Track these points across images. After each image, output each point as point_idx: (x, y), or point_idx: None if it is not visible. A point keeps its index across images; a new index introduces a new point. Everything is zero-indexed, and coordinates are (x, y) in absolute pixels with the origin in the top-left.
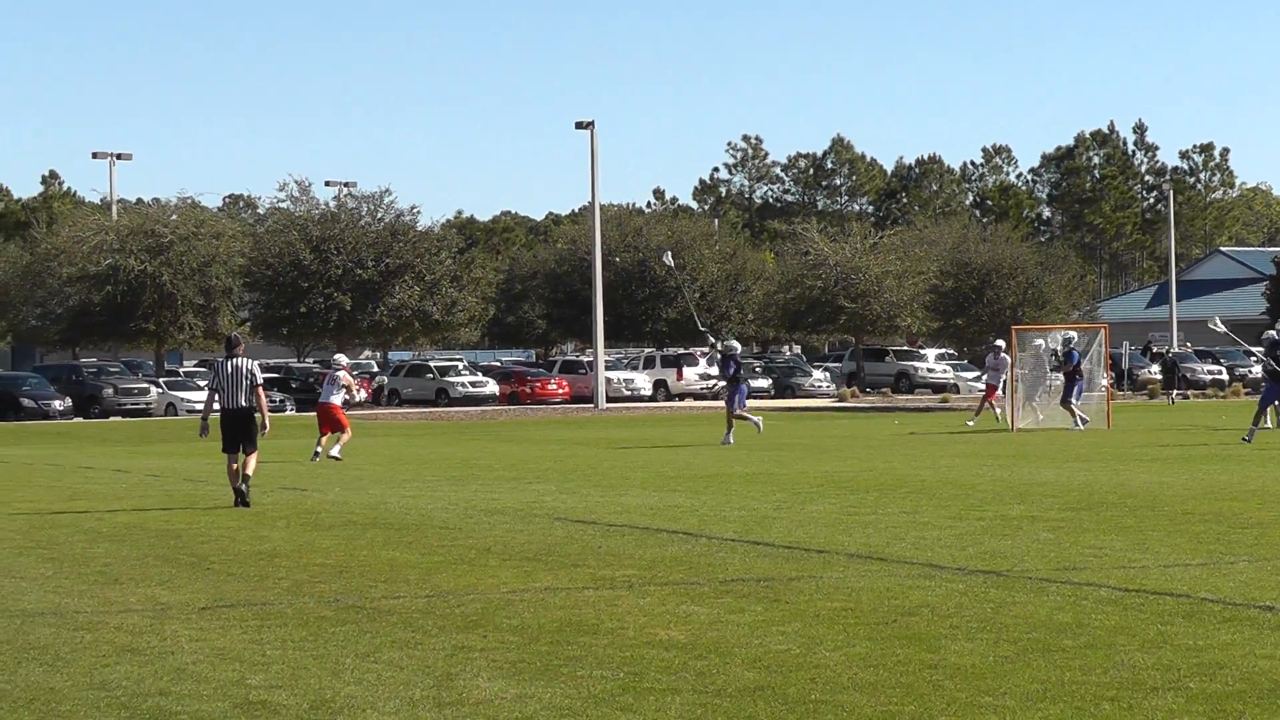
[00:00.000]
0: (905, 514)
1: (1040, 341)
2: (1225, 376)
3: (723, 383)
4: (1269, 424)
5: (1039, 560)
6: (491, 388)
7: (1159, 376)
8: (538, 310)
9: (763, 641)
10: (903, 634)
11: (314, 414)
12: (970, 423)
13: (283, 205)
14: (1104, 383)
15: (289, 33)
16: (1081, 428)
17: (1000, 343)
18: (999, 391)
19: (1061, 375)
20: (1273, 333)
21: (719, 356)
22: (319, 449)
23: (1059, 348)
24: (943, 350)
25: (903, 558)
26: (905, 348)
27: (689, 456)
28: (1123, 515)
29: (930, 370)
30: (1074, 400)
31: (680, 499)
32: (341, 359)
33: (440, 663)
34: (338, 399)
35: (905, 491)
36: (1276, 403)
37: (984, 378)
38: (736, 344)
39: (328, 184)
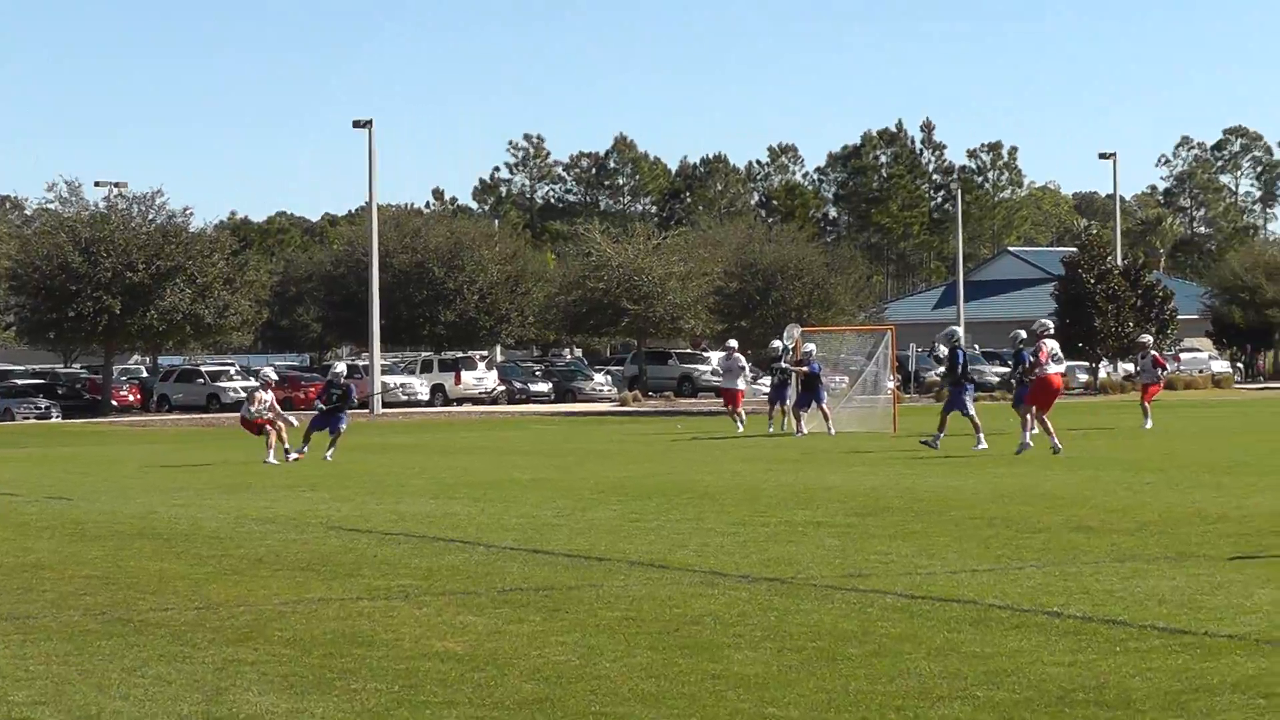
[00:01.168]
0: (688, 520)
1: (778, 343)
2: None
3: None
4: (1029, 440)
5: (824, 567)
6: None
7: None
8: (313, 313)
9: (542, 652)
10: (685, 643)
11: (83, 421)
12: (770, 429)
13: (51, 206)
14: (890, 385)
15: (58, 26)
16: (804, 433)
17: (733, 342)
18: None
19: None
20: (1021, 332)
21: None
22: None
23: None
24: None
25: (686, 565)
26: (689, 350)
27: (467, 462)
28: (909, 520)
29: (714, 373)
30: (823, 404)
31: (458, 506)
32: (270, 373)
33: (210, 676)
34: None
35: (689, 497)
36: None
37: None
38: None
39: (97, 184)
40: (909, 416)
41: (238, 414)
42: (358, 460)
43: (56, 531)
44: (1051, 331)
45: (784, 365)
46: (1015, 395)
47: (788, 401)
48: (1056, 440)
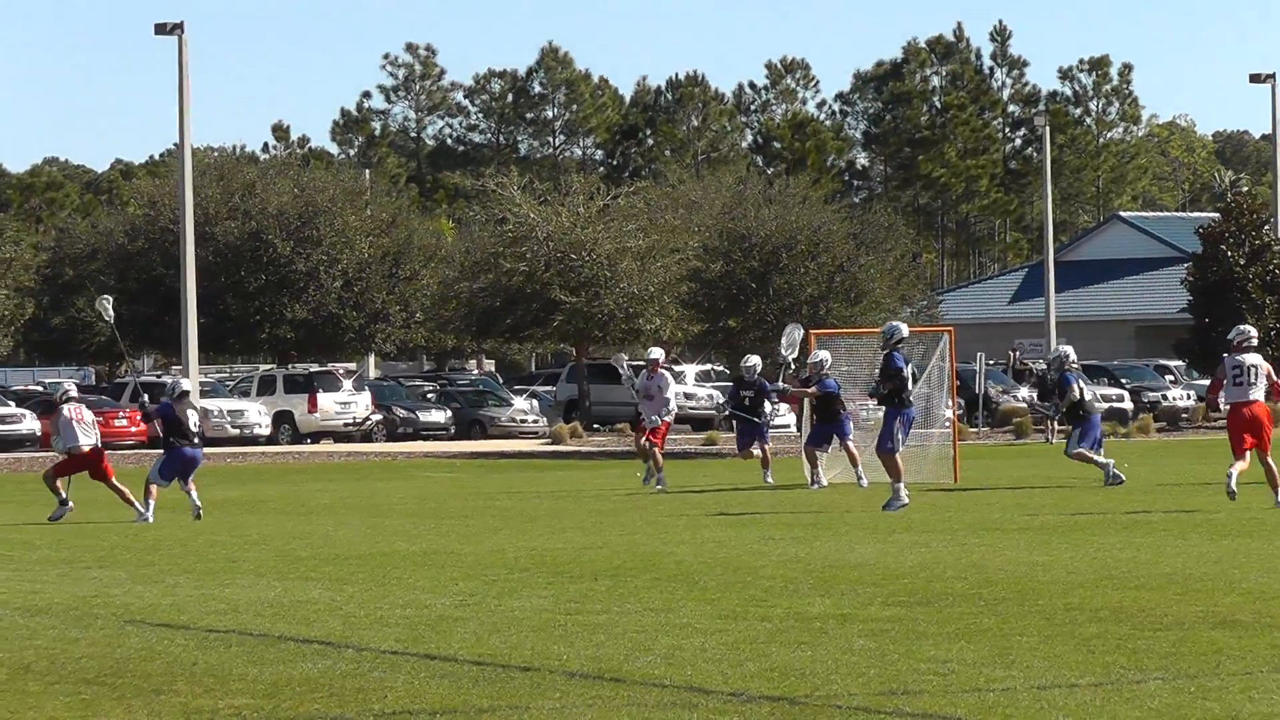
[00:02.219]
0: (654, 612)
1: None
2: (1128, 404)
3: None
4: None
5: (853, 680)
6: (29, 423)
7: (1031, 404)
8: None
9: None
10: None
11: None
12: (769, 479)
13: None
14: (948, 414)
15: None
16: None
17: (656, 351)
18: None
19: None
20: (1025, 342)
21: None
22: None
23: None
24: (709, 366)
25: (651, 678)
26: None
27: (328, 526)
28: (978, 612)
29: (690, 396)
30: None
31: (316, 591)
32: (71, 387)
33: None
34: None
35: (654, 578)
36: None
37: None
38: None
39: None
40: (976, 459)
41: None
42: (167, 523)
43: None
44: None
45: (781, 384)
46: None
47: (766, 440)
48: None
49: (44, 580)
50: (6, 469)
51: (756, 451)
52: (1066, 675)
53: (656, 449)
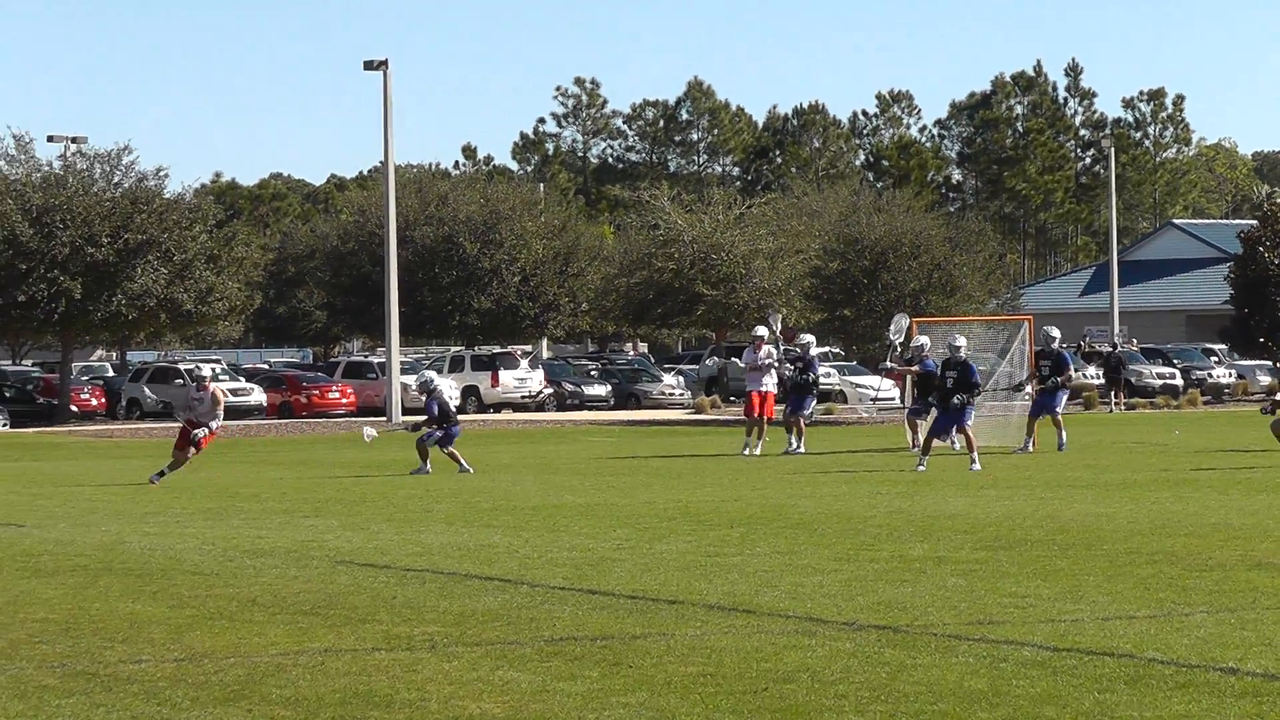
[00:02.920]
0: (779, 555)
1: (924, 339)
2: (1179, 381)
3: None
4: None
5: (947, 612)
6: (258, 396)
7: (1097, 381)
8: (316, 299)
9: (600, 716)
10: (777, 705)
11: (36, 430)
12: (792, 444)
13: None
14: (1029, 388)
15: None
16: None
17: (761, 330)
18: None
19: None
20: (1054, 330)
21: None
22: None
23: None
24: (826, 349)
25: (776, 610)
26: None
27: (507, 482)
28: (1052, 556)
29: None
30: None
31: (496, 537)
32: (206, 370)
33: None
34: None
35: (779, 526)
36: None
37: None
38: (926, 339)
39: (51, 139)
40: (1052, 427)
41: (227, 422)
42: (370, 481)
43: (4, 566)
44: None
45: (887, 364)
46: (1036, 404)
47: (805, 410)
48: None
49: (268, 527)
50: (240, 435)
51: (806, 413)
52: (1126, 609)
53: (766, 417)
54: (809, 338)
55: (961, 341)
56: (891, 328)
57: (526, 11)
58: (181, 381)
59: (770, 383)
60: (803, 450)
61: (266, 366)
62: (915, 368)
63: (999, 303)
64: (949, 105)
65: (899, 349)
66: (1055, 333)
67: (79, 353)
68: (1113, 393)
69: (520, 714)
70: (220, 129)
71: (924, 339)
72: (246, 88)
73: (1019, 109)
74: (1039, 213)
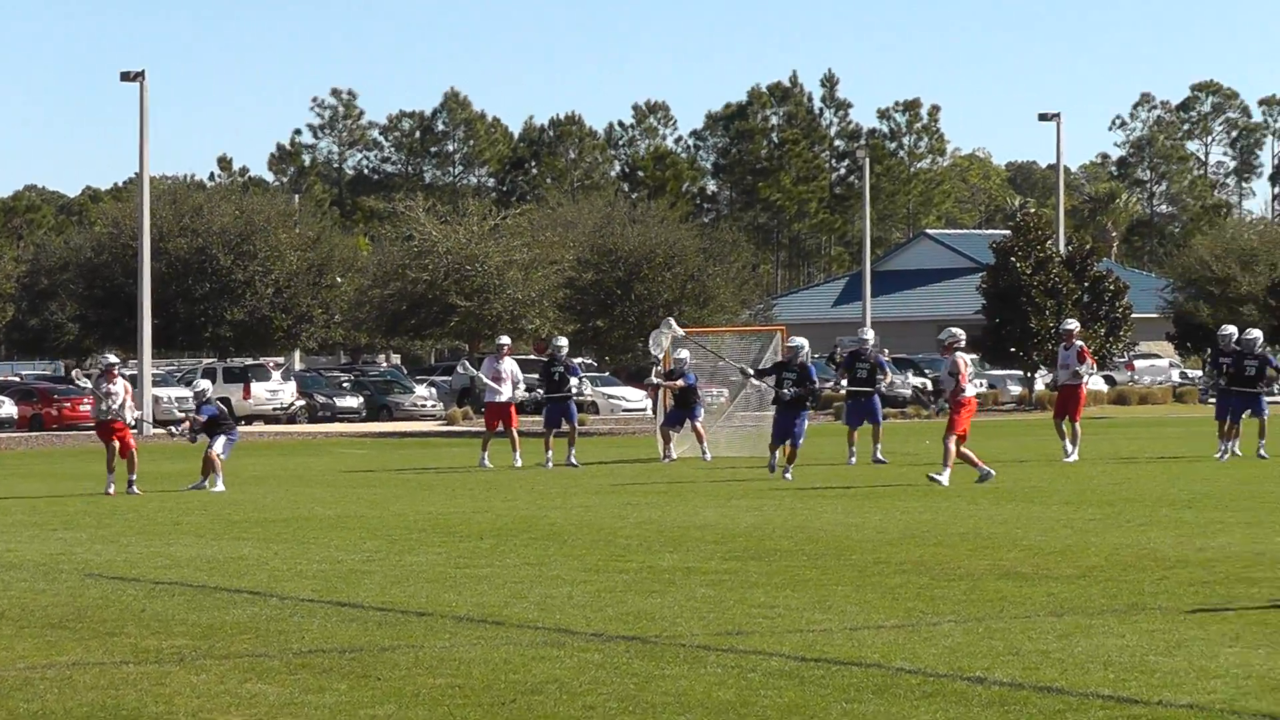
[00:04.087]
0: (529, 566)
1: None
2: (931, 390)
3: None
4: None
5: (696, 623)
6: (8, 409)
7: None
8: (69, 311)
9: None
10: (525, 717)
11: None
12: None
13: None
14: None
15: None
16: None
17: (504, 339)
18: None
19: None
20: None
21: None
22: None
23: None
24: (580, 360)
25: (526, 621)
26: (534, 357)
27: (257, 494)
28: (801, 565)
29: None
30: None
31: (246, 549)
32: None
33: None
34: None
35: (530, 538)
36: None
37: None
38: (686, 353)
39: None
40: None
41: None
42: (123, 492)
43: None
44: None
45: (653, 380)
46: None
47: (698, 418)
48: (985, 466)
49: (17, 540)
50: None
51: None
52: (874, 618)
53: (513, 428)
54: (563, 341)
55: (799, 342)
56: (651, 342)
57: (283, 22)
58: None
59: (510, 393)
60: (684, 455)
61: (17, 379)
62: (679, 381)
63: (752, 313)
64: (705, 116)
65: (659, 363)
66: (801, 342)
67: None
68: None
69: None
70: None
71: (684, 352)
72: (2, 99)
73: (774, 120)
74: (793, 223)
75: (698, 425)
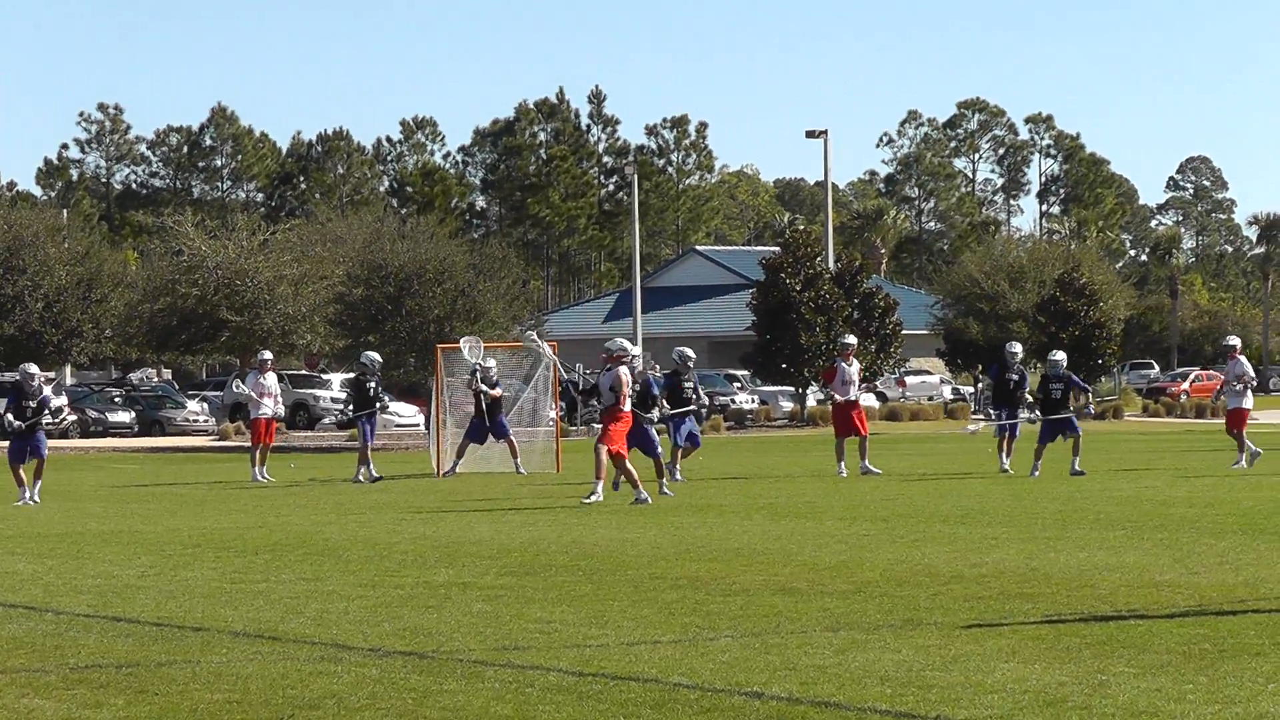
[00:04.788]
0: (305, 581)
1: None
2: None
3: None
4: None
5: (472, 638)
6: None
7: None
8: None
9: None
10: None
11: None
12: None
13: None
14: (552, 414)
15: None
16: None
17: (266, 354)
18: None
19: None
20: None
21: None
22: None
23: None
24: (351, 375)
25: (302, 636)
26: (305, 372)
27: (31, 510)
28: (576, 581)
29: (334, 400)
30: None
31: (20, 564)
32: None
33: None
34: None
35: (305, 553)
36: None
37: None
38: (494, 363)
39: None
40: (576, 453)
41: None
42: None
43: None
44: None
45: (481, 387)
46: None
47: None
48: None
49: None
50: None
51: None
52: (651, 633)
53: (268, 443)
54: (491, 362)
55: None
56: (466, 350)
57: (47, 34)
58: None
59: (274, 408)
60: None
61: None
62: (497, 391)
63: (523, 328)
64: (473, 132)
65: (477, 373)
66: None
67: None
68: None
69: None
70: None
71: (491, 363)
72: None
73: (542, 136)
74: (563, 239)
75: (511, 439)
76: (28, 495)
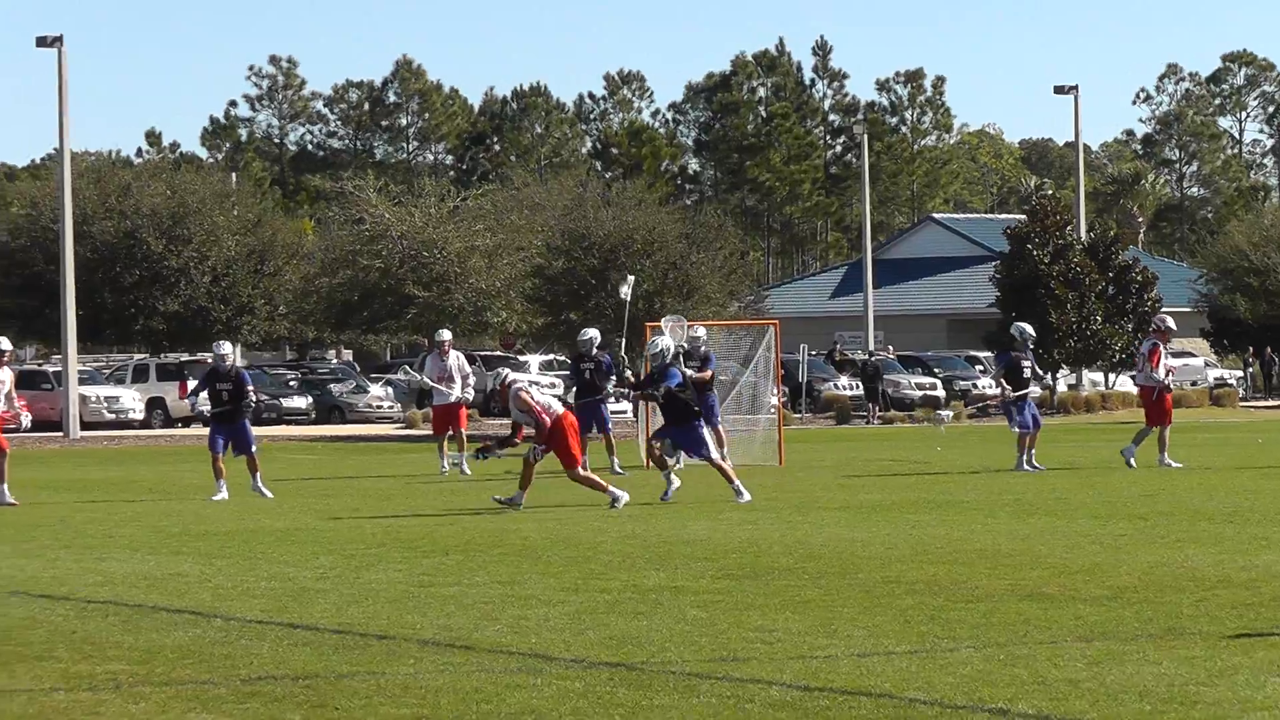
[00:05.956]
0: (501, 584)
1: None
2: (940, 392)
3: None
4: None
5: (686, 648)
6: None
7: (851, 392)
8: None
9: None
10: None
11: None
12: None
13: None
14: (774, 401)
15: None
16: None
17: (444, 333)
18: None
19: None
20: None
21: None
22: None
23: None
24: (551, 356)
25: (498, 646)
26: (500, 353)
27: (197, 505)
28: (802, 585)
29: (534, 384)
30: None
31: (187, 565)
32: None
33: None
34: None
35: (501, 553)
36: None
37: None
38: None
39: None
40: (802, 443)
41: None
42: (47, 501)
43: None
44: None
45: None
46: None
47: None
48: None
49: None
50: None
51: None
52: (885, 644)
53: (462, 429)
54: (592, 332)
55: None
56: (667, 330)
57: None
58: None
59: (459, 393)
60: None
61: None
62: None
63: (741, 306)
64: (684, 88)
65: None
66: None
67: None
68: (870, 405)
69: None
70: None
71: (700, 331)
72: None
73: (761, 92)
74: (784, 206)
75: (719, 428)
76: (224, 490)
